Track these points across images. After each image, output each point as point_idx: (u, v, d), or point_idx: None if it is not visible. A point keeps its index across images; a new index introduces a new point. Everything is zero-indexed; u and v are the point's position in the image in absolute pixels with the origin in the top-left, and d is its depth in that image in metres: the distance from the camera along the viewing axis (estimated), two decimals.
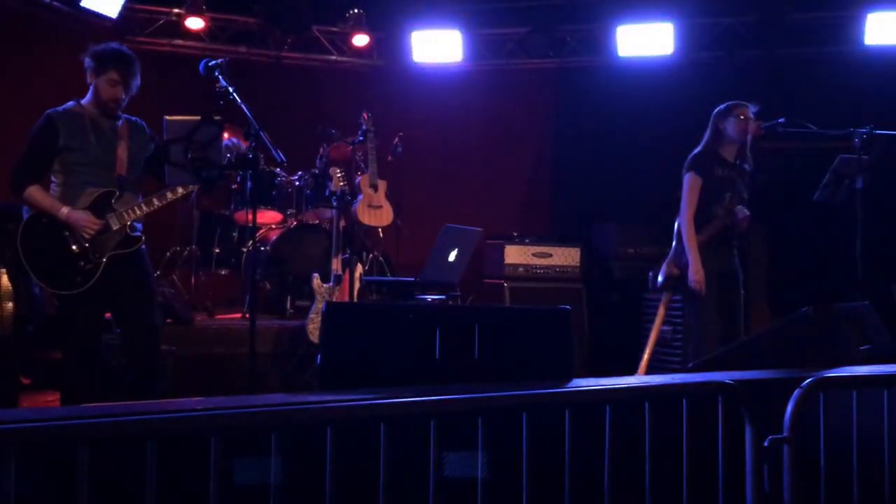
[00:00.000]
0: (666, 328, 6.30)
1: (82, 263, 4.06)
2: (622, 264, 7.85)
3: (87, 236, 4.07)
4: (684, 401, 2.28)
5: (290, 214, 7.00)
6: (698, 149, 5.20)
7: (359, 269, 6.00)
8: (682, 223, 5.10)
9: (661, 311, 5.47)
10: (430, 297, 6.19)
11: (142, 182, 4.37)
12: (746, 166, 5.18)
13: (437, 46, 8.74)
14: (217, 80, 4.27)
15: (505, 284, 7.72)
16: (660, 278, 5.19)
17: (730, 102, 5.17)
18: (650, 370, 5.54)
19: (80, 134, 4.11)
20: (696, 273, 5.00)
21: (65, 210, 4.05)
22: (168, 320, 5.81)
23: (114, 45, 4.29)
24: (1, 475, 1.56)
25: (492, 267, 7.94)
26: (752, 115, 5.12)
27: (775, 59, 8.19)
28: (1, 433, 1.57)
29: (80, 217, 4.06)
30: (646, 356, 5.52)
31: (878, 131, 5.07)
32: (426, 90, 8.85)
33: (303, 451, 1.90)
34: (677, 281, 5.14)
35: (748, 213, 5.08)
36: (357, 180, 6.71)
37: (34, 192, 4.06)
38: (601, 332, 7.83)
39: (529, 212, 9.24)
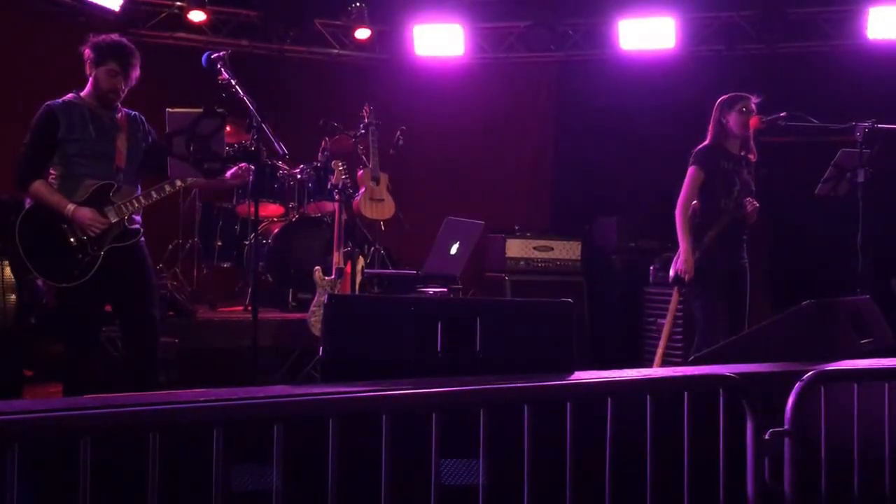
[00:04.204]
0: (662, 321, 6.29)
1: (80, 256, 4.04)
2: (623, 258, 7.85)
3: (92, 234, 4.05)
4: (686, 393, 2.28)
5: (291, 207, 7.00)
6: (704, 143, 5.19)
7: (360, 261, 6.01)
8: (677, 213, 5.11)
9: (672, 305, 5.47)
10: (431, 290, 6.19)
11: (141, 175, 4.36)
12: (752, 156, 5.17)
13: (439, 40, 8.73)
14: (219, 72, 4.27)
15: (506, 278, 7.73)
16: (671, 273, 5.17)
17: (732, 95, 5.15)
18: (664, 363, 5.54)
19: (80, 125, 4.08)
20: (684, 262, 5.04)
21: (71, 207, 4.02)
22: (170, 313, 5.82)
23: (113, 36, 4.28)
24: (3, 466, 1.57)
25: (493, 260, 7.95)
26: (754, 108, 5.11)
27: (777, 52, 8.18)
28: (4, 424, 1.58)
29: (86, 215, 4.03)
30: (660, 350, 5.53)
31: (879, 125, 5.06)
32: (428, 83, 8.83)
33: (305, 442, 1.91)
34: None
35: (757, 204, 5.07)
36: (359, 173, 6.71)
37: (40, 187, 4.05)
38: (602, 325, 7.84)
39: (530, 205, 9.22)
